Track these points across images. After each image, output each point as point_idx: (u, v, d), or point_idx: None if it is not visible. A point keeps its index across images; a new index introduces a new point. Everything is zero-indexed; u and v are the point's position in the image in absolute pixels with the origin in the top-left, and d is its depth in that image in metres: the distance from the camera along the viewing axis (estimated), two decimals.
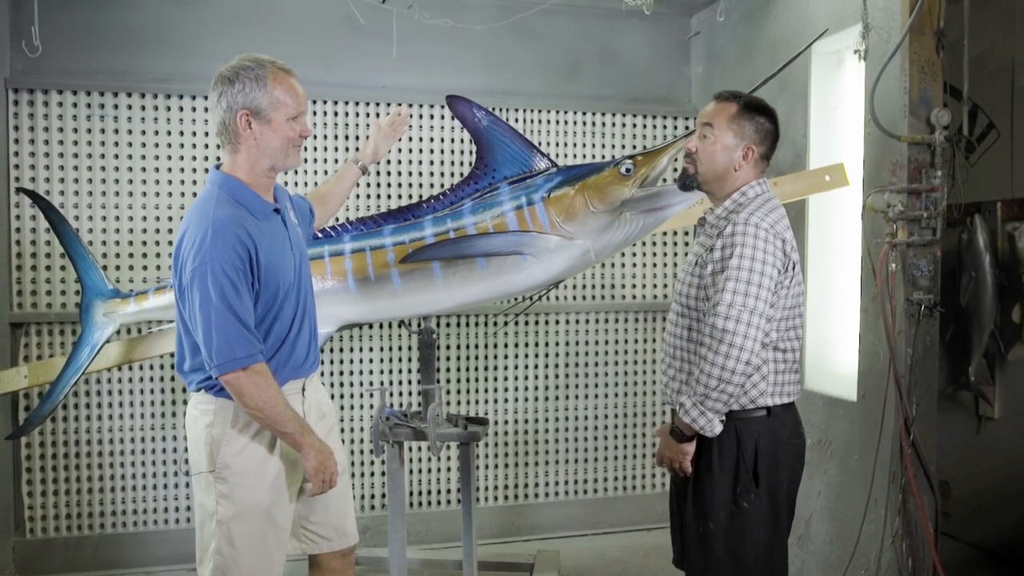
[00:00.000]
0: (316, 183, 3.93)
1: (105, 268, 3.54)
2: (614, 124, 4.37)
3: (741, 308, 2.13)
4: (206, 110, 3.86)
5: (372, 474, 4.14)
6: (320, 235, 2.93)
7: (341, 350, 4.09)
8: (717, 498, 2.25)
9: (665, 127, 4.43)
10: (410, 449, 4.13)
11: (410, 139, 4.09)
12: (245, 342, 2.07)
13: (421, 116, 4.11)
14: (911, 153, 2.85)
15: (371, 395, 4.09)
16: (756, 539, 2.25)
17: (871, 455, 2.99)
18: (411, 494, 4.16)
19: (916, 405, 2.86)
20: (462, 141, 4.14)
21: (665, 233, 4.38)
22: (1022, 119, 3.71)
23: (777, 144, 2.38)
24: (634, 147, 4.36)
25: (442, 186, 4.08)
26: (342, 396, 4.10)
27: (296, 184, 3.97)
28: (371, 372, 4.12)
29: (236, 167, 2.20)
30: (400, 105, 3.98)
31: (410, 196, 4.09)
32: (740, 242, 2.17)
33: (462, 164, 4.14)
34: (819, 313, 3.50)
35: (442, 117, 4.12)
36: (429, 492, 4.21)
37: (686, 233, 4.42)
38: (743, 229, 2.18)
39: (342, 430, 4.03)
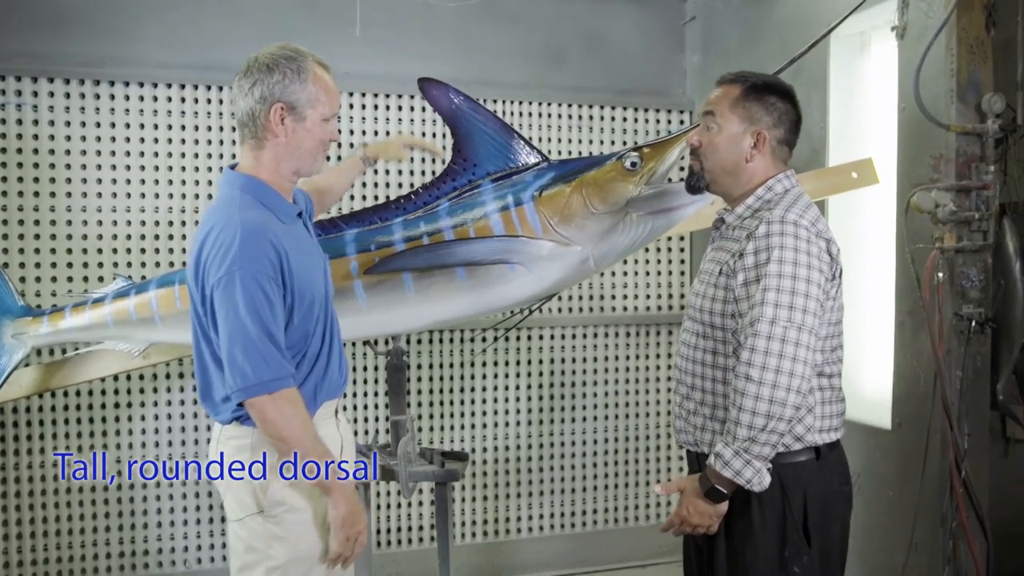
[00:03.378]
0: None
1: (23, 280, 3.19)
2: (602, 118, 3.99)
3: (787, 324, 1.77)
4: (141, 99, 3.43)
5: None
6: None
7: None
8: (760, 564, 1.87)
9: (658, 121, 4.07)
10: (378, 482, 3.70)
11: (375, 132, 3.69)
12: (275, 363, 1.82)
13: (388, 107, 3.71)
14: (959, 145, 2.49)
15: None
16: None
17: (911, 492, 2.62)
18: (378, 532, 3.74)
19: (968, 436, 2.48)
20: (434, 135, 3.74)
21: (658, 239, 3.98)
22: None
23: (800, 128, 2.03)
24: (624, 143, 3.99)
25: (412, 185, 3.69)
26: None
27: None
28: None
29: (259, 166, 1.98)
30: (364, 95, 3.71)
31: (376, 197, 3.69)
32: (778, 244, 1.82)
33: (434, 161, 3.72)
34: (844, 328, 3.13)
35: (411, 108, 3.73)
36: (399, 529, 3.78)
37: (681, 239, 4.04)
38: (780, 229, 1.84)
39: None
